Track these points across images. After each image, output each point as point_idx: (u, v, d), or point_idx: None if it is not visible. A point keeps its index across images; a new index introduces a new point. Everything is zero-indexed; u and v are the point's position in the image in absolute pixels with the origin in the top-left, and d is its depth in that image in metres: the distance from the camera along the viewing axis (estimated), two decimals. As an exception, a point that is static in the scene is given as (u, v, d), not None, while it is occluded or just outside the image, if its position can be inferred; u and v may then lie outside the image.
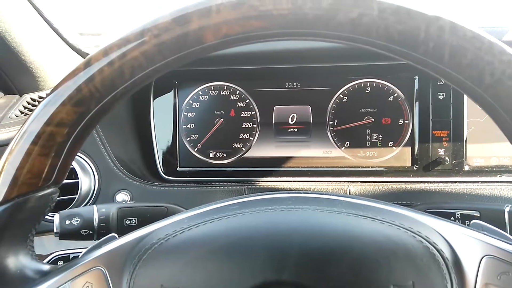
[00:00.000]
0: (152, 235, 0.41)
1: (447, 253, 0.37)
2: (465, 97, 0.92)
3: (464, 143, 0.93)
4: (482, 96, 0.35)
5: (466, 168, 0.93)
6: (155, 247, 0.40)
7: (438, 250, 0.37)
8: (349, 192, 0.92)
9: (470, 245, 0.38)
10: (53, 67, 1.02)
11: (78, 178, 0.93)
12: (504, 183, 0.88)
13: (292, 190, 0.65)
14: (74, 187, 0.94)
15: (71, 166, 0.42)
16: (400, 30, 0.35)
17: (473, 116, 0.93)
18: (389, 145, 0.96)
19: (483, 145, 0.92)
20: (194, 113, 1.01)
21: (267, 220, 0.40)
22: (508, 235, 0.42)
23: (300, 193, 0.45)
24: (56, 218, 0.63)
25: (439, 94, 0.93)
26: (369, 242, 0.37)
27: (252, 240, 0.38)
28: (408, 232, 0.38)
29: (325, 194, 0.44)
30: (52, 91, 0.39)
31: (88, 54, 0.82)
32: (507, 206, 0.57)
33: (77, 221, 0.61)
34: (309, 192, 0.45)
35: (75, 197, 0.93)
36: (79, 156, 0.96)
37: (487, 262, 0.37)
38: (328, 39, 0.38)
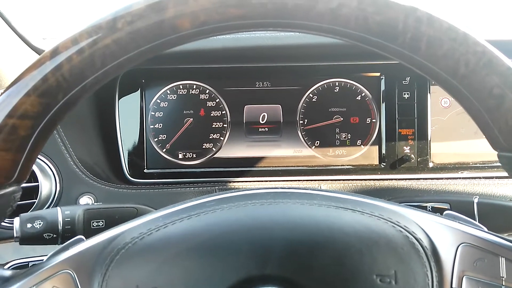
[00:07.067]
0: (125, 234, 0.39)
1: (425, 242, 0.37)
2: (429, 96, 0.96)
3: (428, 141, 0.96)
4: (456, 87, 0.36)
5: (431, 165, 0.96)
6: (129, 247, 0.38)
7: (417, 239, 0.37)
8: (320, 191, 0.93)
9: (446, 234, 0.39)
10: (13, 69, 0.95)
11: (37, 182, 0.88)
12: (467, 179, 0.92)
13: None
14: (33, 191, 0.88)
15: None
16: (378, 21, 0.35)
17: (436, 114, 0.96)
18: (358, 144, 0.98)
19: (446, 143, 0.95)
20: (162, 112, 0.99)
21: (248, 214, 0.39)
22: (479, 224, 0.43)
23: (278, 188, 0.44)
24: (16, 221, 0.58)
25: (404, 94, 0.96)
26: (351, 232, 0.37)
27: (234, 235, 0.37)
28: (388, 222, 0.38)
29: (303, 189, 0.44)
30: (15, 81, 0.36)
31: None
32: (475, 198, 0.59)
33: (39, 224, 0.57)
34: (287, 187, 0.45)
35: (34, 202, 0.87)
36: (38, 158, 0.91)
37: (463, 249, 0.38)
38: (307, 31, 0.38)
